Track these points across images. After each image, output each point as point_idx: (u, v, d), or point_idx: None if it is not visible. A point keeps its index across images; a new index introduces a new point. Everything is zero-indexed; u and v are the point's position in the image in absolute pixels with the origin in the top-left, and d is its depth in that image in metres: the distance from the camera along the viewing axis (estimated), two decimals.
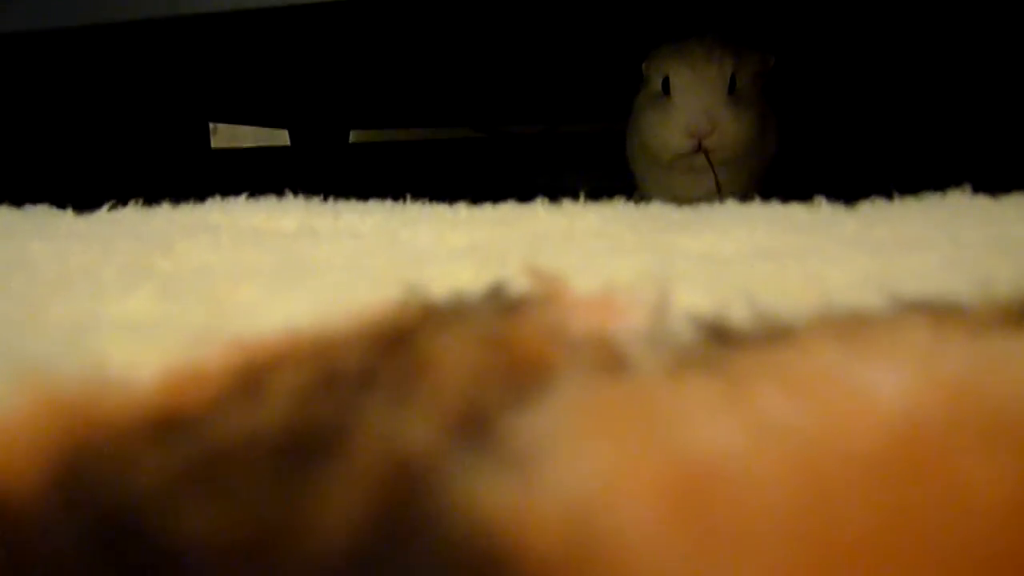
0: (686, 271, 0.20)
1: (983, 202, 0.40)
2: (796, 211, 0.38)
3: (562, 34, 0.81)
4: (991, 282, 0.19)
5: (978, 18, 0.74)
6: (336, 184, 1.55)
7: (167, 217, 0.45)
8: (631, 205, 0.44)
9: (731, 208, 0.43)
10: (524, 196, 1.06)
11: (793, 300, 0.17)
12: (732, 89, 0.69)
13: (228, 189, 1.62)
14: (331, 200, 0.52)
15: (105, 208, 0.50)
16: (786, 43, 0.86)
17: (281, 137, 1.61)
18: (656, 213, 0.40)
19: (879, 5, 0.71)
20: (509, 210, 0.40)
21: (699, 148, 0.69)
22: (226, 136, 1.79)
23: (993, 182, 0.50)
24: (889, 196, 0.51)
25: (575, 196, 0.41)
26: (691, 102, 0.68)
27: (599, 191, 1.26)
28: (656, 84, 0.73)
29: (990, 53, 0.86)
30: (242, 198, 0.52)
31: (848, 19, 0.77)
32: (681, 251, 0.25)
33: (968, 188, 0.44)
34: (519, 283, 0.18)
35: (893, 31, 0.80)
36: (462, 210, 0.42)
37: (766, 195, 0.81)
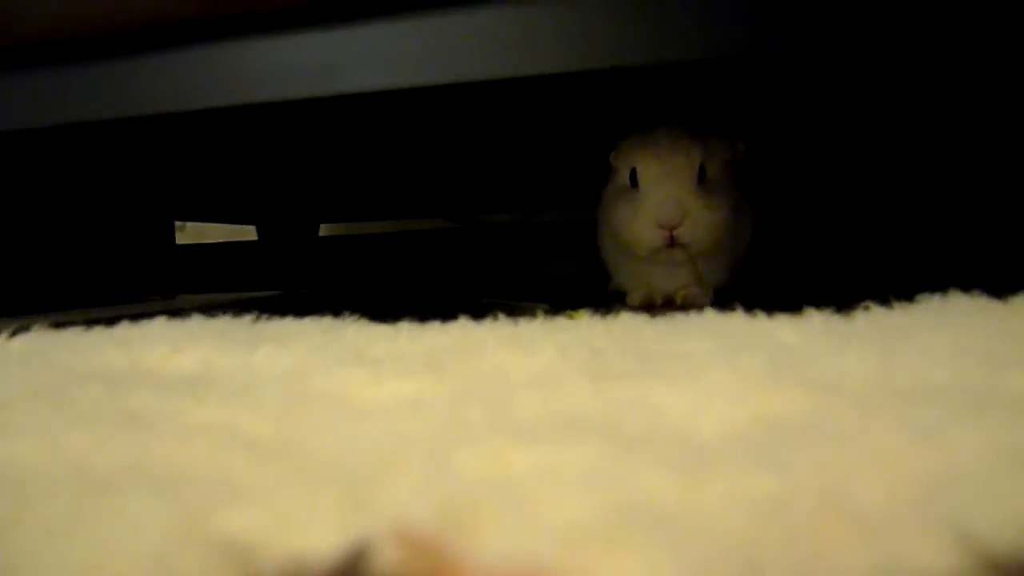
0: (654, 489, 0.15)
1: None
2: (784, 331, 0.33)
3: (534, 123, 0.80)
4: None
5: (955, 104, 0.72)
6: (306, 278, 1.51)
7: (68, 350, 0.39)
8: (597, 325, 0.39)
9: (711, 325, 0.38)
10: (500, 286, 1.02)
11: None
12: (702, 179, 0.66)
13: (195, 285, 1.57)
14: (264, 318, 0.47)
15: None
16: (759, 130, 0.84)
17: (250, 232, 1.57)
18: (622, 334, 0.35)
19: (855, 93, 0.69)
20: (456, 341, 0.34)
21: (672, 242, 0.66)
22: (194, 233, 1.75)
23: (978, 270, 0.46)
24: (879, 292, 0.47)
25: (551, 284, 0.37)
26: (660, 194, 0.65)
27: (575, 278, 1.22)
28: (624, 176, 0.70)
29: (969, 139, 0.84)
30: (157, 321, 0.46)
31: (823, 105, 0.75)
32: (647, 424, 0.20)
33: (971, 290, 0.40)
34: (386, 555, 0.12)
35: (872, 116, 0.79)
36: (402, 337, 0.37)
37: (743, 286, 0.78)
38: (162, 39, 0.55)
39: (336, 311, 0.53)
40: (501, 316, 0.42)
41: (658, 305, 0.73)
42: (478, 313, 0.45)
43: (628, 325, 0.40)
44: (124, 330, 0.44)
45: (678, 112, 0.74)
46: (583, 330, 0.37)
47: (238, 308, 0.59)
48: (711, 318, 0.39)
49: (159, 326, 0.45)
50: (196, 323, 0.46)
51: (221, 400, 0.25)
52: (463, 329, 0.38)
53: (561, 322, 0.40)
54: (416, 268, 1.45)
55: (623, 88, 0.68)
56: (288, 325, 0.45)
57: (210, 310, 0.56)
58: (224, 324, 0.46)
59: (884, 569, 0.12)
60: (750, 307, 0.42)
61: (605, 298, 0.77)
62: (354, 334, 0.40)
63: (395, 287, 1.37)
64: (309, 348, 0.36)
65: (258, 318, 0.50)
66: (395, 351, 0.34)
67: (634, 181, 0.68)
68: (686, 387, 0.24)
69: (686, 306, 0.68)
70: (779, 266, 1.06)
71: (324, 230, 1.62)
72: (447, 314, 0.46)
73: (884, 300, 0.41)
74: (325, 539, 0.13)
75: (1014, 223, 0.97)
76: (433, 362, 0.30)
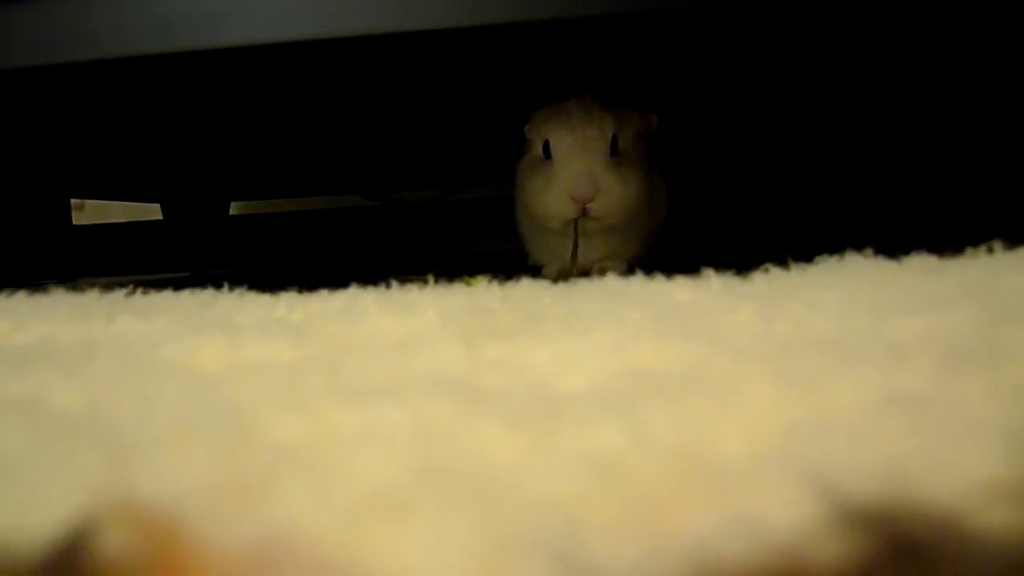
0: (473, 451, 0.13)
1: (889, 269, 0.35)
2: (680, 291, 0.32)
3: (454, 94, 0.77)
4: None
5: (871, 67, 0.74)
6: (215, 259, 1.43)
7: None
8: (493, 290, 0.37)
9: (611, 288, 0.37)
10: (419, 265, 0.98)
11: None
12: (615, 151, 0.65)
13: (96, 268, 1.47)
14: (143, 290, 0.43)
15: None
16: (674, 103, 0.84)
17: (155, 211, 1.48)
18: (517, 299, 0.33)
19: (771, 62, 0.70)
20: (337, 307, 0.32)
21: (584, 213, 0.64)
22: (95, 212, 1.64)
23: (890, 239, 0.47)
24: (781, 257, 0.47)
25: (472, 262, 0.35)
26: (573, 166, 0.64)
27: (496, 256, 1.20)
28: (537, 148, 0.68)
29: (883, 105, 0.86)
30: (16, 297, 0.41)
31: (738, 77, 0.75)
32: (508, 381, 0.18)
33: (868, 251, 0.40)
34: (106, 539, 0.10)
35: (787, 86, 0.79)
36: (280, 305, 0.34)
37: (657, 258, 0.78)
38: None
39: (249, 288, 0.49)
40: (394, 284, 0.40)
41: (574, 278, 0.72)
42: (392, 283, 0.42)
43: (527, 291, 0.38)
44: None
45: (592, 83, 0.72)
46: (475, 295, 0.35)
47: (134, 289, 0.54)
48: (611, 282, 0.38)
49: (12, 302, 0.41)
50: (57, 298, 0.42)
51: (38, 372, 0.22)
52: (348, 297, 0.36)
53: (453, 288, 0.38)
54: (333, 248, 1.40)
55: (541, 58, 0.66)
56: (162, 298, 0.42)
57: (111, 287, 0.51)
58: (89, 299, 0.42)
59: (735, 525, 0.11)
60: (665, 273, 0.41)
61: (524, 273, 0.75)
62: (230, 304, 0.37)
63: (310, 267, 1.32)
64: (172, 319, 0.32)
65: (132, 292, 0.46)
66: (267, 318, 0.31)
67: (548, 153, 0.67)
68: (565, 344, 0.22)
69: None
70: (694, 237, 1.07)
71: (235, 209, 1.54)
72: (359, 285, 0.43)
73: (784, 262, 0.40)
74: (43, 520, 0.10)
75: (920, 187, 1.01)
76: (302, 329, 0.27)
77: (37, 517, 0.11)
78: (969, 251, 0.42)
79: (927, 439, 0.14)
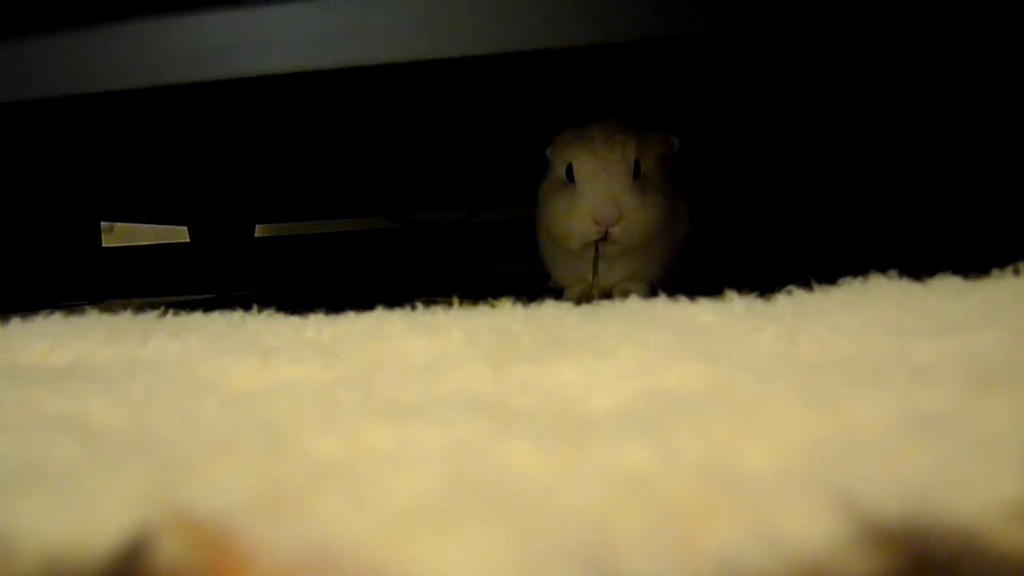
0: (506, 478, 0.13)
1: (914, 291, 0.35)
2: (703, 314, 0.32)
3: (474, 118, 0.78)
4: None
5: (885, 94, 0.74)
6: (241, 280, 1.46)
7: None
8: (517, 312, 0.38)
9: (633, 310, 0.37)
10: (440, 286, 0.99)
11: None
12: (637, 174, 0.66)
13: (124, 289, 1.49)
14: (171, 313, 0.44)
15: None
16: (697, 124, 0.84)
17: (182, 233, 1.51)
18: (541, 321, 0.34)
19: (792, 88, 0.70)
20: (364, 329, 0.32)
21: (606, 236, 0.65)
22: (124, 234, 1.68)
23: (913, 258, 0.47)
24: (804, 278, 0.47)
25: (493, 283, 0.35)
26: (596, 189, 0.64)
27: (517, 277, 1.21)
28: (560, 171, 0.69)
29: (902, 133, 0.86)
30: (52, 318, 0.43)
31: (757, 99, 0.75)
32: (536, 401, 0.18)
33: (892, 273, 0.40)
34: (165, 548, 0.11)
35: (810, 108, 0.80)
36: (309, 326, 0.35)
37: (679, 280, 0.78)
38: (66, 16, 0.51)
39: (275, 310, 0.50)
40: (420, 305, 0.40)
41: (595, 300, 0.73)
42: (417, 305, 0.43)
43: (550, 312, 0.38)
44: (11, 327, 0.40)
45: (614, 105, 0.73)
46: (500, 317, 0.35)
47: (165, 311, 0.56)
48: (634, 304, 0.38)
49: (50, 323, 0.42)
50: (92, 319, 0.43)
51: (81, 390, 0.23)
52: (375, 318, 0.36)
53: (479, 309, 0.38)
54: (355, 269, 1.42)
55: (563, 82, 0.67)
56: (193, 319, 0.43)
57: (143, 308, 0.53)
58: (123, 319, 0.43)
59: (760, 541, 0.11)
60: (687, 295, 0.41)
61: (546, 295, 0.76)
62: (259, 325, 0.37)
63: (333, 289, 1.34)
64: (204, 338, 0.33)
65: (164, 314, 0.47)
66: (296, 339, 0.32)
67: (570, 176, 0.67)
68: (590, 365, 0.22)
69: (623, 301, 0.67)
70: (715, 258, 1.07)
71: (260, 231, 1.57)
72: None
73: (807, 284, 0.40)
74: (101, 531, 0.11)
75: (945, 207, 1.00)
76: (331, 349, 0.28)
77: (94, 529, 0.11)
78: (995, 272, 0.42)
79: (949, 459, 0.14)
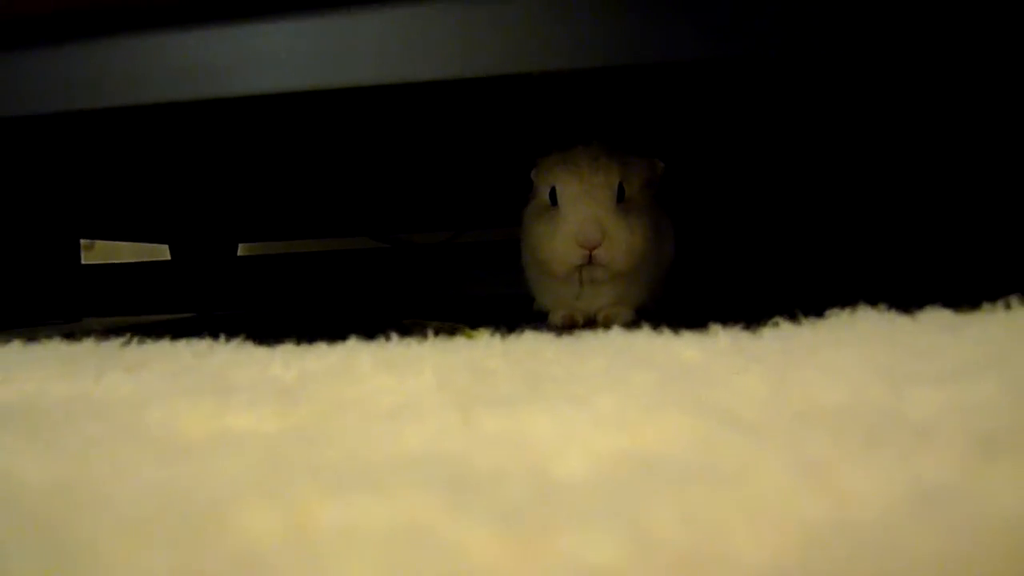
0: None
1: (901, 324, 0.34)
2: (688, 350, 0.31)
3: (461, 139, 0.77)
4: None
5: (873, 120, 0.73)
6: (222, 300, 1.43)
7: None
8: (495, 345, 0.36)
9: (615, 344, 0.36)
10: (425, 307, 0.98)
11: None
12: (621, 198, 0.65)
13: (103, 307, 1.46)
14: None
15: None
16: (684, 149, 0.84)
17: (164, 251, 1.48)
18: (518, 355, 0.32)
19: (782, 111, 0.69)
20: (331, 365, 0.31)
21: (590, 260, 0.64)
22: (104, 251, 1.65)
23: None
24: (790, 307, 0.46)
25: (479, 304, 0.34)
26: (579, 213, 0.64)
27: (503, 298, 1.19)
28: (544, 194, 0.68)
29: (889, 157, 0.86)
30: (11, 346, 0.41)
31: (745, 123, 0.75)
32: (502, 463, 0.16)
33: (881, 307, 0.39)
34: None
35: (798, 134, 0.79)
36: (276, 361, 0.33)
37: (664, 305, 0.77)
38: (53, 32, 0.50)
39: (251, 334, 0.48)
40: (394, 337, 0.39)
41: (579, 325, 0.71)
42: (400, 333, 0.41)
43: (529, 345, 0.37)
44: None
45: (600, 129, 0.73)
46: (477, 351, 0.34)
47: (142, 332, 0.54)
48: (617, 336, 0.37)
49: (5, 352, 0.40)
50: (51, 348, 0.41)
51: (14, 437, 0.21)
52: (345, 351, 0.35)
53: (455, 343, 0.37)
54: (340, 289, 1.40)
55: (549, 104, 0.66)
56: (158, 349, 0.41)
57: (108, 334, 0.51)
58: (84, 349, 0.41)
59: None
60: (672, 325, 0.40)
61: (530, 319, 0.74)
62: (224, 357, 0.36)
63: (316, 309, 1.31)
64: (163, 374, 0.31)
65: (129, 341, 0.45)
66: (260, 377, 0.30)
67: (554, 199, 0.67)
68: (565, 414, 0.21)
69: (608, 326, 0.66)
70: (702, 283, 1.06)
71: (243, 250, 1.55)
72: (362, 334, 0.42)
73: (794, 316, 0.39)
74: None
75: (933, 235, 1.00)
76: (293, 390, 0.26)
77: None
78: (985, 306, 0.41)
79: (959, 542, 0.13)
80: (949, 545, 0.13)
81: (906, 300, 0.43)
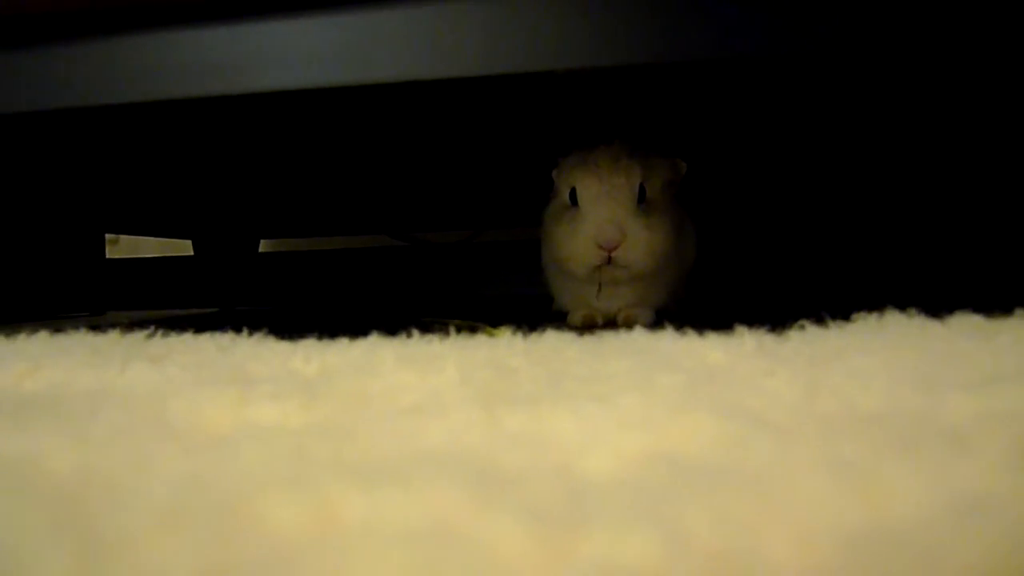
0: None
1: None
2: (713, 351, 0.30)
3: (481, 137, 0.77)
4: None
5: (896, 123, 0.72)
6: (244, 295, 1.45)
7: None
8: (517, 343, 0.36)
9: (638, 344, 0.35)
10: (444, 306, 0.98)
11: None
12: (642, 199, 0.64)
13: (126, 301, 1.49)
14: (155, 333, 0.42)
15: None
16: (707, 148, 0.83)
17: (187, 247, 1.50)
18: (540, 354, 0.32)
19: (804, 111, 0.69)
20: (354, 359, 0.31)
21: (609, 261, 0.63)
22: (128, 246, 1.67)
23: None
24: (815, 309, 0.45)
25: (497, 304, 0.33)
26: (599, 213, 0.63)
27: (522, 298, 1.19)
28: (565, 194, 0.68)
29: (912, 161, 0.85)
30: (37, 337, 0.41)
31: (770, 123, 0.74)
32: (528, 462, 0.16)
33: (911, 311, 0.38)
34: None
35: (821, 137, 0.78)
36: (298, 355, 0.33)
37: (686, 306, 0.76)
38: (72, 29, 0.50)
39: (272, 329, 0.48)
40: (415, 333, 0.38)
41: (599, 326, 0.71)
42: (413, 331, 0.41)
43: (551, 344, 0.36)
44: None
45: (623, 127, 0.72)
46: (499, 349, 0.34)
47: (166, 325, 0.54)
48: (640, 337, 0.36)
49: (32, 342, 0.40)
50: (76, 339, 0.41)
51: (41, 425, 0.21)
52: (367, 347, 0.35)
53: (476, 340, 0.37)
54: (359, 286, 1.40)
55: (571, 102, 0.66)
56: (181, 341, 0.41)
57: (133, 327, 0.51)
58: (109, 340, 0.41)
59: None
60: (695, 326, 0.40)
61: (550, 319, 0.74)
62: (247, 351, 0.36)
63: (336, 306, 1.32)
64: (186, 366, 0.32)
65: (153, 334, 0.45)
66: (283, 370, 0.30)
67: (574, 200, 0.66)
68: (590, 413, 0.20)
69: (628, 327, 0.66)
70: (724, 284, 1.05)
71: (265, 246, 1.56)
72: (383, 331, 0.42)
73: (820, 319, 0.39)
74: None
75: (959, 239, 0.98)
76: (316, 384, 0.26)
77: None
78: (1018, 312, 0.40)
79: (998, 551, 0.12)
80: (988, 553, 0.12)
81: (935, 304, 0.42)
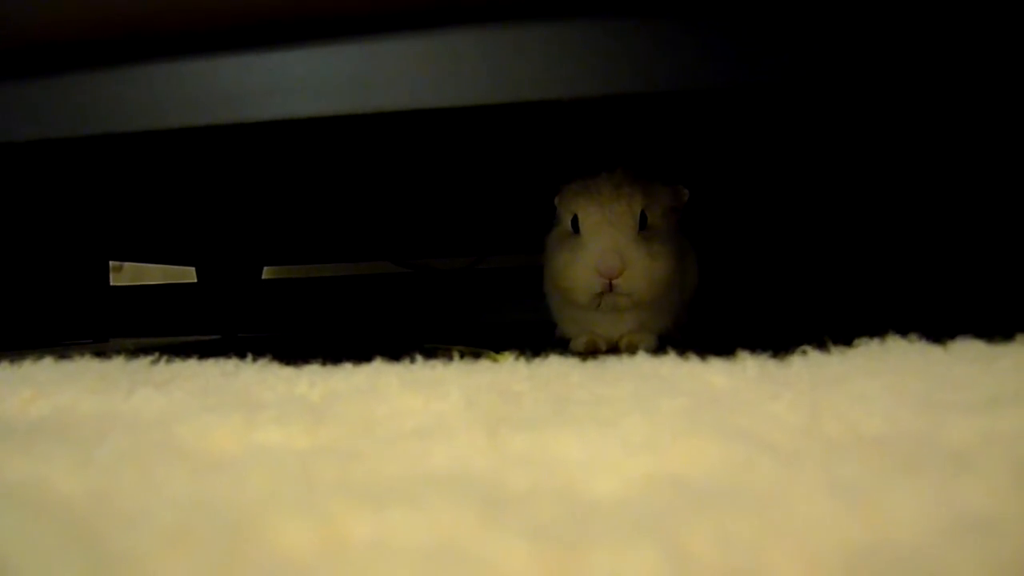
0: None
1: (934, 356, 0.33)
2: (715, 376, 0.30)
3: (483, 165, 0.78)
4: None
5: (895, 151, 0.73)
6: (247, 322, 1.45)
7: None
8: (520, 368, 0.36)
9: (642, 369, 0.35)
10: (446, 332, 0.98)
11: None
12: (643, 226, 0.65)
13: (130, 328, 1.49)
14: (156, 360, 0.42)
15: None
16: (708, 176, 0.84)
17: (191, 274, 1.51)
18: (544, 379, 0.32)
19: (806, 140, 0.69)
20: (358, 384, 0.31)
21: (611, 288, 0.63)
22: (132, 273, 1.68)
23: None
24: (817, 334, 0.45)
25: (499, 331, 0.33)
26: (600, 241, 0.63)
27: (524, 325, 1.19)
28: (566, 221, 0.68)
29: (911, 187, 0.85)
30: (42, 363, 0.41)
31: (771, 150, 0.75)
32: (533, 482, 0.16)
33: (912, 336, 0.38)
34: None
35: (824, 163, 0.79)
36: (302, 380, 0.33)
37: (689, 332, 0.77)
38: (77, 58, 0.51)
39: (276, 355, 0.49)
40: (419, 359, 0.39)
41: (602, 351, 0.71)
42: (417, 357, 0.41)
43: (555, 369, 0.36)
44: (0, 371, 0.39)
45: (625, 155, 0.73)
46: (502, 374, 0.34)
47: (170, 351, 0.55)
48: (643, 362, 0.36)
49: (38, 368, 0.41)
50: (82, 365, 0.41)
51: (49, 450, 0.21)
52: (371, 372, 0.35)
53: (480, 365, 0.37)
54: (362, 313, 1.41)
55: (573, 130, 0.67)
56: (186, 367, 0.41)
57: (137, 353, 0.52)
58: (114, 366, 0.42)
59: None
60: (697, 351, 0.40)
61: (552, 345, 0.74)
62: (252, 376, 0.36)
63: (339, 332, 1.32)
64: (192, 391, 0.32)
65: (157, 360, 0.46)
66: (287, 395, 0.30)
67: (576, 227, 0.67)
68: (594, 436, 0.21)
69: (631, 352, 0.66)
70: (726, 309, 1.05)
71: (268, 272, 1.57)
72: (386, 357, 0.42)
73: (822, 344, 0.39)
74: None
75: (960, 265, 0.98)
76: (321, 408, 0.27)
77: None
78: (1019, 337, 0.40)
79: (1002, 572, 0.12)
80: (990, 574, 0.12)
81: (936, 329, 0.42)
